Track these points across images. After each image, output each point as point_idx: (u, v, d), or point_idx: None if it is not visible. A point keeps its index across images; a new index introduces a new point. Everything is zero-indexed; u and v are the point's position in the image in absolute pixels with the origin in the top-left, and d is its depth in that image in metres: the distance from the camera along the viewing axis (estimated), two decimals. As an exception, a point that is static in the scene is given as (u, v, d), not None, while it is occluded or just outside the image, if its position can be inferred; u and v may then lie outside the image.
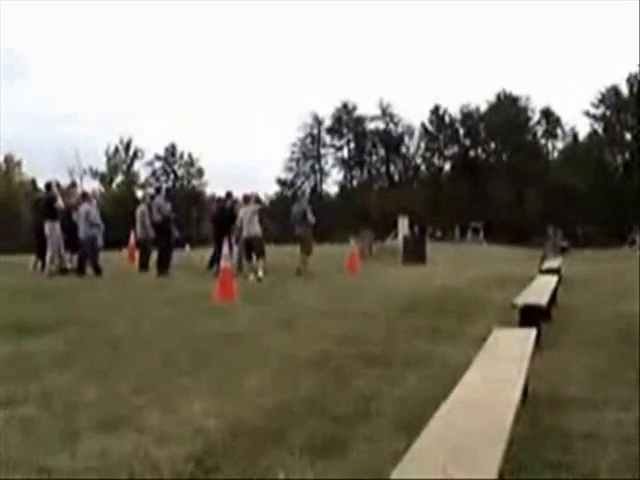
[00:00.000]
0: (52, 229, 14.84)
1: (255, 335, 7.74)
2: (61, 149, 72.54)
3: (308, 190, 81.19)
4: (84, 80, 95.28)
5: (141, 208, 16.78)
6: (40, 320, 8.40)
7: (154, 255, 16.28)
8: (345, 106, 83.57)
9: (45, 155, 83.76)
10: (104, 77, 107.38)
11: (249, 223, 15.03)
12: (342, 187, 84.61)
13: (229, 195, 17.01)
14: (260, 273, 14.40)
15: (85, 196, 16.00)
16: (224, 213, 16.46)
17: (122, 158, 79.05)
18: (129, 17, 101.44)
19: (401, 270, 19.35)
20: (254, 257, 15.02)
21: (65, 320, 8.51)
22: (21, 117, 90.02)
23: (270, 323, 8.57)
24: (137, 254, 17.86)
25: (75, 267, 15.22)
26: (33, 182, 65.51)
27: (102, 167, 76.40)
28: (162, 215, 15.59)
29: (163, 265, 15.22)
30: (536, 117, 79.35)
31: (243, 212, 15.33)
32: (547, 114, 78.45)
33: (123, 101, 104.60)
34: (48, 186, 15.93)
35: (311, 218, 16.51)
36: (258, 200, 16.49)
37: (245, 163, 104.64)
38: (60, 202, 14.98)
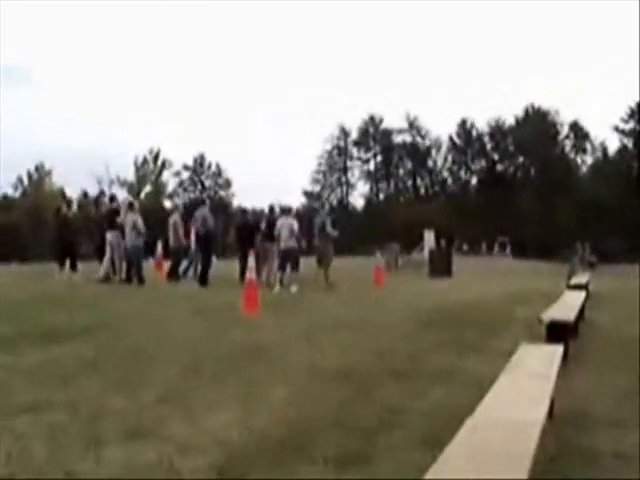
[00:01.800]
0: (116, 238, 15.50)
1: (279, 347, 7.74)
2: (88, 158, 73.53)
3: (335, 202, 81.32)
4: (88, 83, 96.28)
5: (174, 218, 16.98)
6: (67, 327, 8.48)
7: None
8: (372, 119, 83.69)
9: (71, 164, 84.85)
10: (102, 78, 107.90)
11: (288, 235, 15.17)
12: (368, 200, 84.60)
13: (272, 209, 16.95)
14: (294, 288, 14.44)
15: (131, 206, 16.31)
16: (249, 225, 16.54)
17: (151, 168, 79.85)
18: (134, 23, 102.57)
19: (427, 283, 19.28)
20: (288, 269, 15.14)
21: (92, 328, 8.58)
22: (38, 127, 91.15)
23: (295, 335, 8.57)
24: (165, 264, 18.02)
25: (122, 276, 15.74)
26: (61, 191, 66.33)
27: (129, 177, 77.19)
28: (206, 227, 15.75)
29: (202, 277, 15.39)
30: (565, 131, 78.85)
31: (281, 224, 15.46)
32: (576, 128, 77.90)
33: (126, 107, 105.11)
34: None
35: (331, 230, 16.48)
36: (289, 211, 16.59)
37: (268, 173, 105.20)
38: (122, 214, 15.59)
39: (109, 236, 15.57)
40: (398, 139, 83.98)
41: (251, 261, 12.06)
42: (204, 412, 4.92)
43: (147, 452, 4.04)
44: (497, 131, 79.75)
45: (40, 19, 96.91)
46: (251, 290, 10.86)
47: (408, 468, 3.72)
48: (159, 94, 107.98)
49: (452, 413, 4.46)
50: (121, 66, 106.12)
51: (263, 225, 16.29)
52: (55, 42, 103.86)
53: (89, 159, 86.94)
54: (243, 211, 18.54)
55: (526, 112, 79.01)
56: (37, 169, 74.64)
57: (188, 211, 17.93)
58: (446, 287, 17.28)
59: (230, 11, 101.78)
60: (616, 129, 74.67)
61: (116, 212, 15.75)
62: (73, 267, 16.06)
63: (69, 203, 17.86)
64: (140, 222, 15.54)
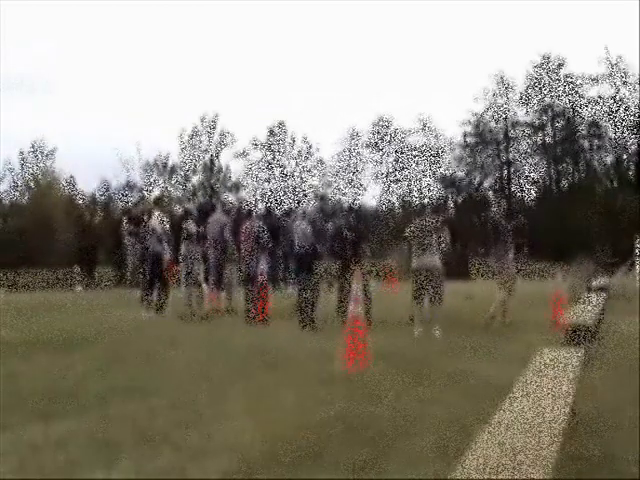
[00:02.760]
0: (135, 243, 15.79)
1: (290, 351, 7.68)
2: (93, 161, 73.50)
3: (346, 205, 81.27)
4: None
5: (188, 223, 17.05)
6: (78, 334, 8.49)
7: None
8: (381, 120, 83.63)
9: (74, 167, 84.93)
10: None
11: (302, 239, 15.17)
12: (381, 201, 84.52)
13: (288, 213, 16.95)
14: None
15: (151, 212, 16.51)
16: (257, 228, 16.53)
17: (160, 172, 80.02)
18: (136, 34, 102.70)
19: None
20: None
21: (102, 334, 8.59)
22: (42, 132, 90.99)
23: (305, 338, 8.53)
24: (175, 268, 18.03)
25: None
26: (71, 197, 66.40)
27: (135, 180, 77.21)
28: (220, 232, 15.85)
29: (218, 282, 15.42)
30: (582, 130, 78.34)
31: (295, 227, 15.47)
32: (593, 127, 77.38)
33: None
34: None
35: (348, 233, 16.45)
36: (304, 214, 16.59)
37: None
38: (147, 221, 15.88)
39: (130, 241, 15.72)
40: (410, 140, 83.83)
41: (262, 265, 12.04)
42: (216, 418, 4.86)
43: (159, 459, 3.99)
44: (511, 130, 79.37)
45: (37, 22, 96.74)
46: (263, 294, 10.87)
47: (427, 473, 3.64)
48: (160, 95, 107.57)
49: (469, 417, 4.38)
50: (122, 67, 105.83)
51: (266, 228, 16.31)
52: (52, 45, 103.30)
53: (93, 162, 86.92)
54: (249, 213, 18.49)
55: (541, 110, 78.61)
56: (45, 174, 74.90)
57: (200, 216, 17.94)
58: (462, 290, 17.14)
59: (232, 12, 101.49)
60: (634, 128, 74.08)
61: (137, 218, 15.88)
62: (90, 274, 16.17)
63: (92, 211, 18.19)
64: (159, 228, 15.65)
